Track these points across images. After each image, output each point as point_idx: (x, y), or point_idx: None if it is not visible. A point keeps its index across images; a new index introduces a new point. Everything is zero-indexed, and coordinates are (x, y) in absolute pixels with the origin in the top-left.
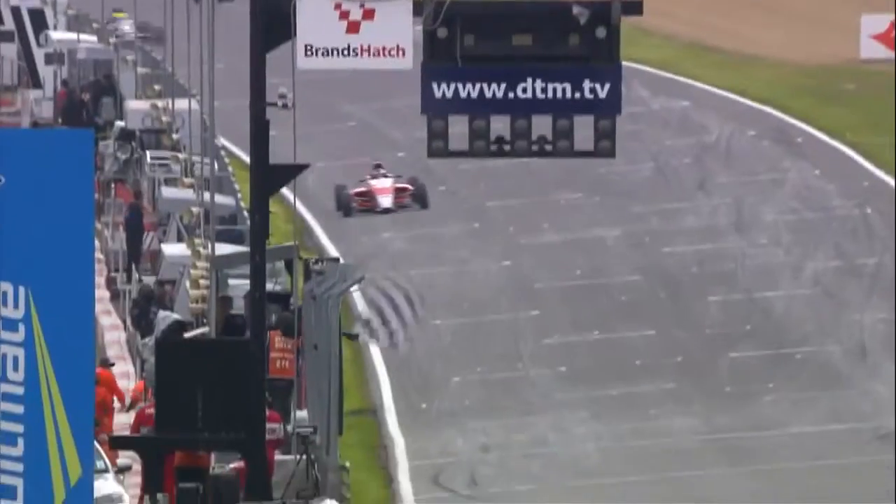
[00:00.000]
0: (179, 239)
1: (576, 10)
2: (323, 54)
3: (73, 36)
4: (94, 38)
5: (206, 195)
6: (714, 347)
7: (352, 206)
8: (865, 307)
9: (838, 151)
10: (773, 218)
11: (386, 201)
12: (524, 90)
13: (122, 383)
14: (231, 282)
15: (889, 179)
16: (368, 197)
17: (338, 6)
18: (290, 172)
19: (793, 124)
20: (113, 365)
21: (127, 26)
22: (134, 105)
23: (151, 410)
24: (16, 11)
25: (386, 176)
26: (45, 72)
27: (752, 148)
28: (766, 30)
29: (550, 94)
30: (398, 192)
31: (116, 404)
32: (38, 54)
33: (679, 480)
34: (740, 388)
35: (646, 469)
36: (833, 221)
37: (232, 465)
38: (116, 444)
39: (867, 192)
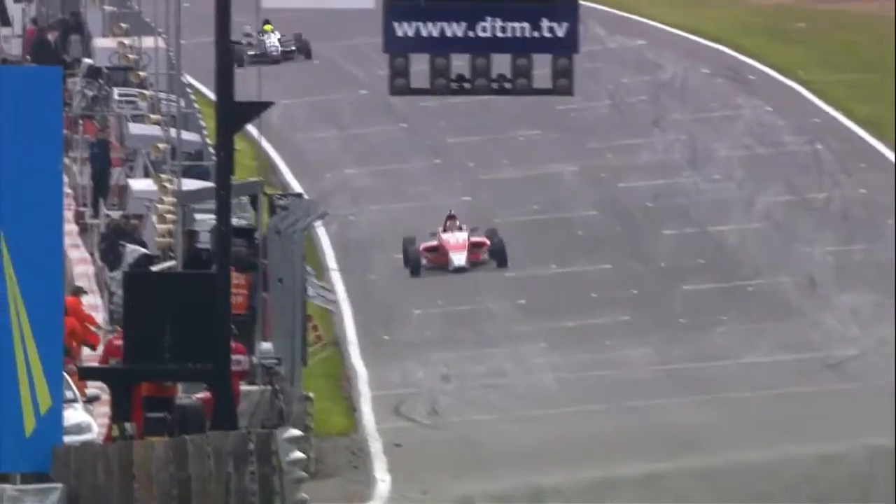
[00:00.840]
0: (146, 174)
1: None
2: None
3: None
4: None
5: (173, 131)
6: (668, 280)
7: (421, 262)
8: (815, 240)
9: (790, 89)
10: (726, 154)
11: (459, 259)
12: (484, 29)
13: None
14: (197, 216)
15: (840, 116)
16: (440, 253)
17: None
18: (254, 109)
19: (745, 62)
20: (85, 293)
21: None
22: (101, 43)
23: (119, 342)
24: None
25: (460, 228)
26: (14, 9)
27: (705, 85)
28: None
29: (509, 33)
30: (473, 247)
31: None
32: None
33: (634, 409)
34: (694, 320)
35: (602, 398)
36: (784, 157)
37: (198, 396)
38: (85, 374)
39: (818, 128)
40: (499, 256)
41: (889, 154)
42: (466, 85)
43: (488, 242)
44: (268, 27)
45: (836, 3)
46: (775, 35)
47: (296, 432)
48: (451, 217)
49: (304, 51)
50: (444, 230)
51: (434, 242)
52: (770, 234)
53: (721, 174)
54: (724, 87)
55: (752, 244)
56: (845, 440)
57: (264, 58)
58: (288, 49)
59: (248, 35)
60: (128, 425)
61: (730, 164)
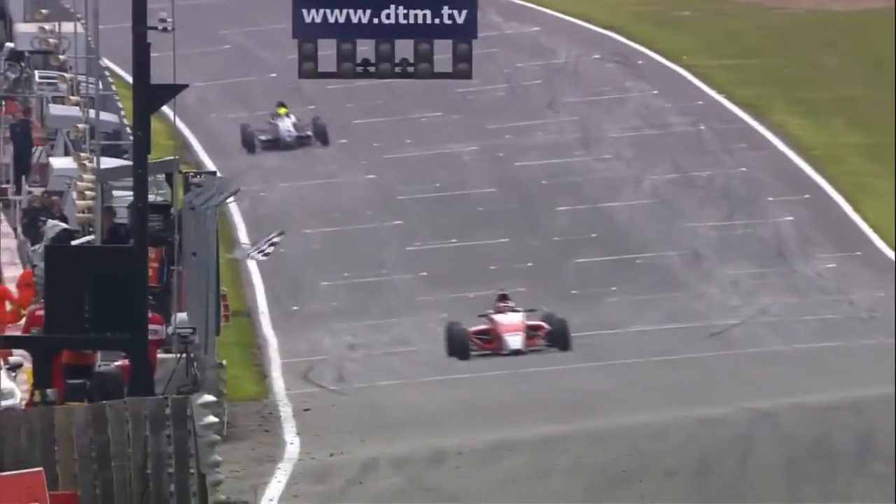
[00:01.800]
0: (66, 153)
1: None
2: None
3: None
4: None
5: (92, 112)
6: (562, 253)
7: (469, 347)
8: (699, 216)
9: (675, 73)
10: (615, 134)
11: (515, 340)
12: (388, 16)
13: (12, 287)
14: (115, 193)
15: (722, 99)
16: (492, 336)
17: None
18: (169, 91)
19: (634, 48)
20: None
21: None
22: (23, 28)
23: (41, 312)
24: None
25: (514, 310)
26: None
27: (596, 70)
28: None
29: (412, 20)
30: (530, 331)
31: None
32: None
33: (529, 374)
34: (586, 291)
35: (499, 365)
36: (670, 138)
37: (116, 363)
38: (8, 343)
39: (701, 110)
40: (560, 341)
41: (768, 134)
42: (371, 69)
43: (546, 326)
44: (282, 110)
45: None
46: (662, 23)
47: (209, 398)
48: (502, 297)
49: (321, 136)
50: (496, 311)
51: (485, 326)
52: (657, 210)
53: (611, 154)
54: (614, 71)
55: (640, 220)
56: (727, 404)
57: (277, 144)
58: (303, 134)
59: (163, 21)
60: (49, 391)
61: (619, 144)
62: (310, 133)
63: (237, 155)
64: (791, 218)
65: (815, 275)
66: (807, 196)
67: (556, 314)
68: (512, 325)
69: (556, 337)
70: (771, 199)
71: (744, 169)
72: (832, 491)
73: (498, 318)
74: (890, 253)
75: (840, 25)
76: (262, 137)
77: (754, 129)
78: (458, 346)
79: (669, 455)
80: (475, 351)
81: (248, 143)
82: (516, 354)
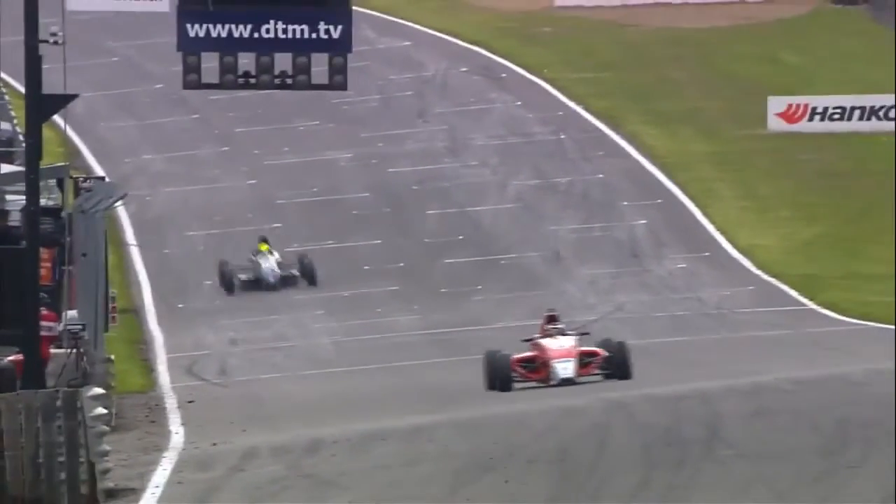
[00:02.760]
0: None
1: None
2: None
3: None
4: None
5: None
6: (432, 254)
7: (511, 377)
8: (560, 219)
9: (537, 85)
10: (482, 143)
11: (565, 368)
12: (267, 31)
13: None
14: (9, 197)
15: (580, 110)
16: (539, 364)
17: None
18: (60, 101)
19: (498, 62)
20: None
21: None
22: None
23: None
24: None
25: (565, 333)
26: None
27: (463, 82)
28: None
29: (290, 35)
30: (584, 357)
31: None
32: None
33: (401, 369)
34: (454, 290)
35: (373, 359)
36: (532, 146)
37: (10, 358)
38: None
39: (561, 120)
40: (620, 369)
41: (623, 143)
42: (252, 80)
43: (603, 353)
44: (264, 247)
45: (578, 10)
46: (524, 38)
47: (99, 390)
48: (551, 317)
49: (308, 275)
50: (543, 335)
51: (530, 353)
52: (520, 213)
53: (477, 161)
54: (480, 83)
55: (504, 222)
56: (584, 395)
57: (258, 284)
58: (288, 273)
59: (54, 34)
60: None
61: (485, 151)
62: (295, 272)
63: (123, 161)
64: (644, 221)
65: (667, 274)
66: (659, 201)
67: (613, 339)
68: (562, 350)
69: (615, 364)
70: (626, 203)
71: (601, 175)
72: (682, 475)
73: (545, 342)
74: (735, 253)
75: (688, 42)
76: (243, 277)
77: (610, 138)
78: (500, 376)
79: (532, 443)
80: (519, 380)
81: (227, 283)
82: (567, 384)
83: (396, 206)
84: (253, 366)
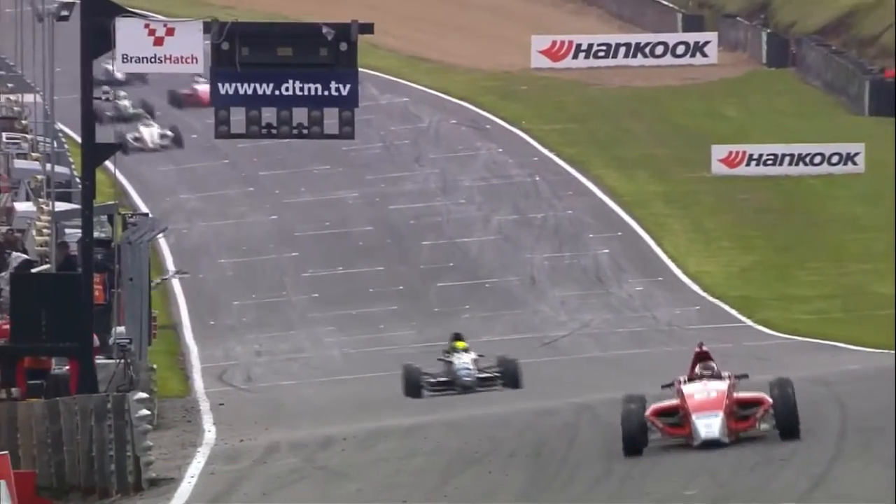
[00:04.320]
0: (28, 198)
1: (324, 29)
2: (136, 61)
3: None
4: None
5: (48, 166)
6: (426, 279)
7: (647, 431)
8: (535, 249)
9: (515, 135)
10: (469, 184)
11: (709, 427)
12: (287, 89)
13: None
14: (67, 231)
15: (553, 156)
16: (682, 418)
17: (147, 25)
18: (111, 149)
19: (483, 115)
20: None
21: None
22: None
23: (7, 326)
24: None
25: (717, 375)
26: None
27: (453, 132)
28: (462, 45)
29: (306, 92)
30: (740, 408)
31: None
32: None
33: (400, 376)
34: (445, 309)
35: (376, 368)
36: (512, 186)
37: (67, 367)
38: None
39: (536, 164)
40: (790, 426)
41: (589, 184)
42: (274, 131)
43: (768, 400)
44: (460, 344)
45: (550, 72)
46: (505, 95)
47: (143, 395)
48: (702, 355)
49: (511, 379)
50: (691, 378)
51: (672, 402)
52: (501, 244)
53: (465, 199)
54: (467, 133)
55: (488, 252)
56: (557, 398)
57: (451, 385)
58: (487, 374)
59: (106, 93)
60: (14, 390)
61: (472, 191)
62: (496, 374)
63: (164, 199)
64: (607, 250)
65: (627, 296)
66: (619, 233)
67: (783, 383)
68: (707, 400)
69: (785, 416)
70: (591, 235)
71: (570, 211)
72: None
73: (689, 390)
74: (684, 278)
75: (643, 98)
76: (432, 379)
77: (578, 180)
78: (635, 430)
79: (512, 439)
80: (655, 436)
81: (412, 388)
82: (713, 446)
83: (396, 237)
84: (274, 374)
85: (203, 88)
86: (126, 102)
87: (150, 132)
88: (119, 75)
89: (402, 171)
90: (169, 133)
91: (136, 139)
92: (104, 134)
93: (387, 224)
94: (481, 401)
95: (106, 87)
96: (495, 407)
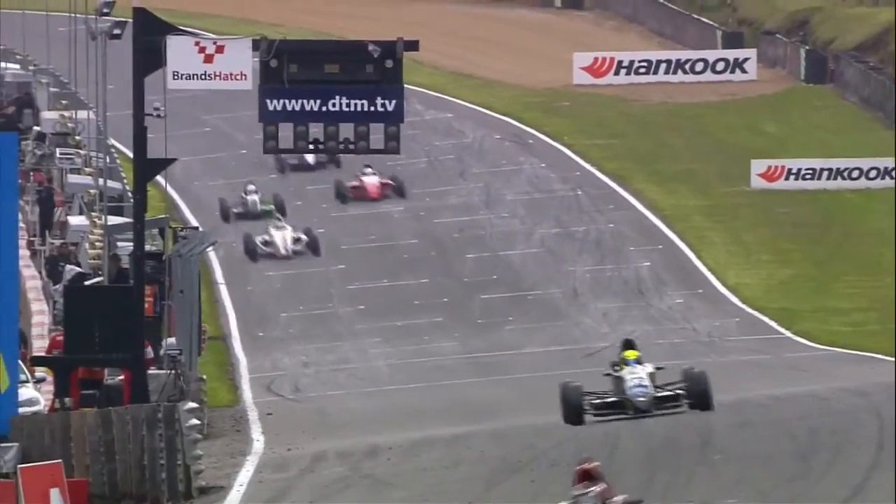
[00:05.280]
0: (81, 212)
1: (371, 47)
2: (186, 78)
3: (2, 63)
4: (17, 66)
5: (101, 180)
6: (470, 291)
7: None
8: (577, 261)
9: (558, 150)
10: (512, 197)
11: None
12: (333, 105)
13: (38, 318)
14: (119, 244)
15: (594, 170)
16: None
17: (197, 43)
18: (161, 164)
19: (526, 130)
20: None
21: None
22: (47, 115)
23: (61, 338)
24: None
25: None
26: None
27: (497, 147)
28: (505, 62)
29: (353, 108)
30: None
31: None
32: None
33: (444, 387)
34: (489, 320)
35: (421, 379)
36: (554, 200)
37: (119, 377)
38: (35, 362)
39: (578, 179)
40: (703, 402)
41: (630, 198)
42: (321, 146)
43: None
44: (632, 354)
45: (592, 88)
46: (547, 111)
47: (193, 405)
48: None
49: (700, 399)
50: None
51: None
52: (544, 257)
53: (508, 213)
54: (511, 148)
55: (531, 264)
56: None
57: (620, 406)
58: (667, 394)
59: (157, 109)
60: (67, 400)
61: (515, 205)
62: (680, 392)
63: (214, 213)
64: (648, 263)
65: (667, 308)
66: (660, 246)
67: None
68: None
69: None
70: (632, 248)
71: (611, 225)
72: (679, 475)
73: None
74: (723, 290)
75: (684, 114)
76: (596, 400)
77: (619, 194)
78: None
79: (554, 449)
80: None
81: (573, 413)
82: None
83: (440, 250)
84: (321, 384)
85: (370, 181)
86: (255, 197)
87: (283, 236)
88: (310, 159)
89: (447, 185)
90: (303, 237)
91: (267, 243)
92: (229, 232)
93: (431, 237)
94: (525, 411)
95: (157, 104)
96: (539, 418)
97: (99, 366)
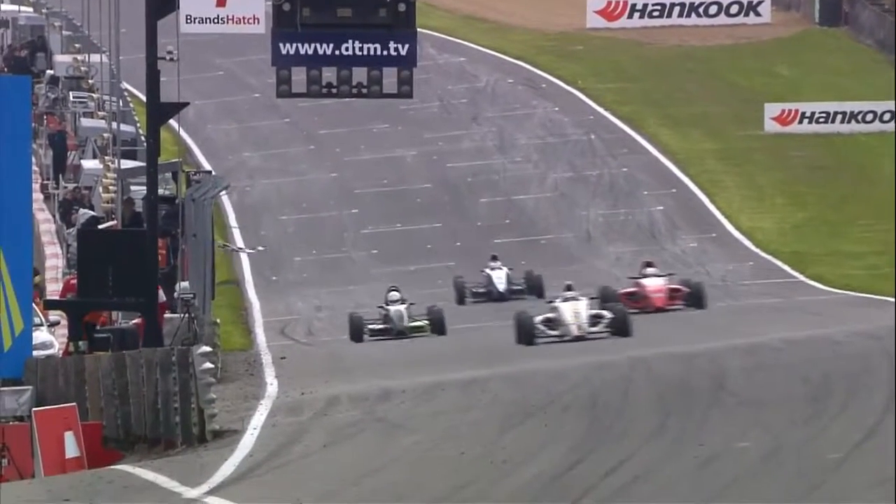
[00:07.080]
0: (94, 156)
1: None
2: (199, 21)
3: (15, 7)
4: (30, 10)
5: (114, 124)
6: (483, 236)
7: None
8: (590, 205)
9: (571, 94)
10: (525, 142)
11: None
12: (346, 49)
13: (51, 262)
14: (133, 188)
15: (608, 114)
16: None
17: None
18: (175, 108)
19: (539, 74)
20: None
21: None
22: (60, 58)
23: (74, 281)
24: None
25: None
26: None
27: (510, 91)
28: (518, 6)
29: (365, 52)
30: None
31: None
32: None
33: (458, 331)
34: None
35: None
36: (567, 145)
37: (133, 321)
38: (49, 305)
39: (591, 123)
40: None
41: (643, 142)
42: (334, 90)
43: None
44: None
45: (606, 31)
46: (561, 55)
47: (207, 348)
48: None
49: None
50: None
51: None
52: (558, 201)
53: (522, 157)
54: (524, 92)
55: (544, 209)
56: (612, 353)
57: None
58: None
59: (169, 52)
60: (80, 343)
61: (528, 149)
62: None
63: (227, 157)
64: (661, 207)
65: (680, 252)
66: (673, 190)
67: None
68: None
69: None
70: (646, 192)
71: (625, 169)
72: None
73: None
74: (737, 234)
75: (698, 57)
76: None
77: (633, 138)
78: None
79: (567, 392)
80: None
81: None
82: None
83: (454, 195)
84: (334, 328)
85: (650, 284)
86: (402, 308)
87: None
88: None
89: (460, 129)
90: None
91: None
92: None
93: (444, 182)
94: (542, 354)
95: (170, 48)
96: (553, 361)
97: (113, 310)
